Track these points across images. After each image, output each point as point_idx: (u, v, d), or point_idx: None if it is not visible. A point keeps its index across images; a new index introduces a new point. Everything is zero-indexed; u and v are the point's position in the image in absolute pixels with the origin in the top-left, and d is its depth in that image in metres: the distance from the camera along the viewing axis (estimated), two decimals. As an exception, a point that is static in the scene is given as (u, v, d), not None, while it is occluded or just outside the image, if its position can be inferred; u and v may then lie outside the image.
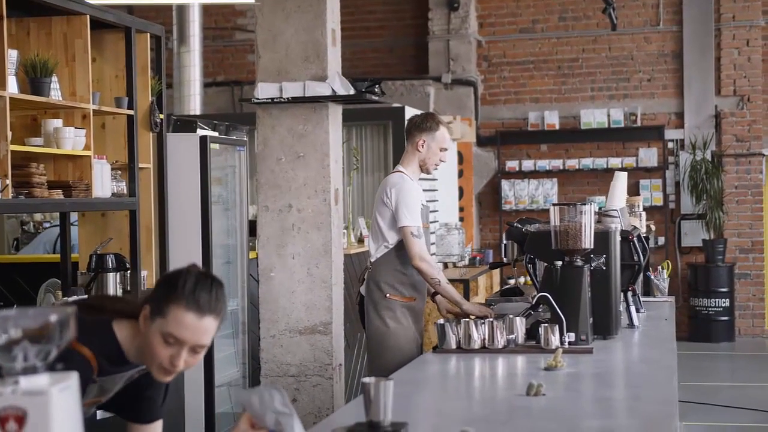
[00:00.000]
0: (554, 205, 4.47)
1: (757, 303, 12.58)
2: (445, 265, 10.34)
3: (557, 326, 4.23)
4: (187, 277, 2.58)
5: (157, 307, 2.56)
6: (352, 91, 6.07)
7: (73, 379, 1.77)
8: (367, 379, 2.75)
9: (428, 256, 5.16)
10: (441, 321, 4.39)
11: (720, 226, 12.34)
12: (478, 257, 11.01)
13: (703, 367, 10.85)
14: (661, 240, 12.54)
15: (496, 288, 11.15)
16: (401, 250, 5.22)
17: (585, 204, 4.44)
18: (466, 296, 9.02)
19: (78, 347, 2.55)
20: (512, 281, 12.37)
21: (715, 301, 12.18)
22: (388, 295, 5.25)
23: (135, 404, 2.83)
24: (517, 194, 12.90)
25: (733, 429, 7.97)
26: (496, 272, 11.18)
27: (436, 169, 5.48)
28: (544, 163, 12.82)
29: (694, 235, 12.55)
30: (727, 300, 12.21)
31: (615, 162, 12.56)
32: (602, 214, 5.18)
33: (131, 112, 5.51)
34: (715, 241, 12.27)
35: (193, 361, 2.59)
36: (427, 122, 5.35)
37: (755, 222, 12.57)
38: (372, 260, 5.36)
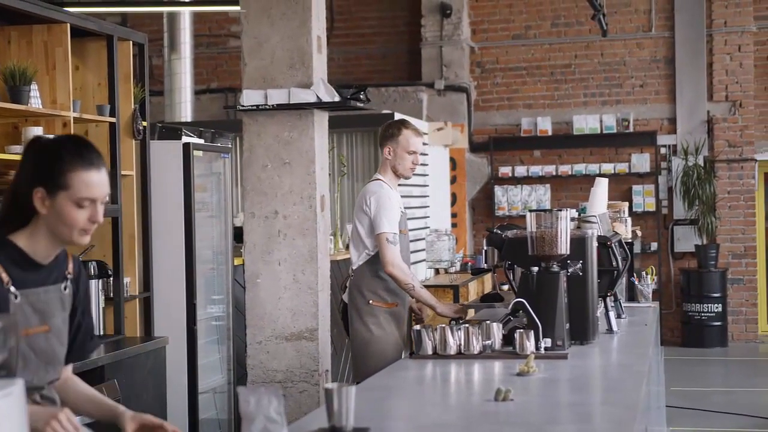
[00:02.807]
0: (530, 211, 4.49)
1: (750, 308, 12.59)
2: (436, 271, 10.36)
3: (533, 332, 4.25)
4: (66, 145, 2.69)
5: (54, 185, 2.65)
6: (336, 98, 6.09)
7: (17, 385, 1.79)
8: (329, 385, 2.77)
9: (401, 262, 5.22)
10: (417, 327, 4.41)
11: (713, 232, 12.35)
12: (470, 263, 11.02)
13: (696, 372, 10.86)
14: (654, 245, 12.55)
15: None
16: None
17: (561, 210, 4.45)
18: (456, 302, 9.03)
19: None
20: (506, 287, 12.38)
21: (708, 307, 12.19)
22: (371, 301, 5.32)
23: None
24: (510, 200, 12.92)
25: (718, 434, 7.99)
26: (488, 278, 11.19)
27: (413, 171, 5.53)
28: (537, 169, 12.84)
29: (686, 240, 12.56)
30: (720, 305, 12.22)
31: (608, 168, 12.58)
32: (581, 220, 5.20)
33: (113, 119, 5.53)
34: (707, 246, 12.28)
35: (102, 213, 2.72)
36: (389, 129, 5.48)
37: (748, 227, 12.58)
38: (354, 267, 5.44)
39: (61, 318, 2.78)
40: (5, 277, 2.64)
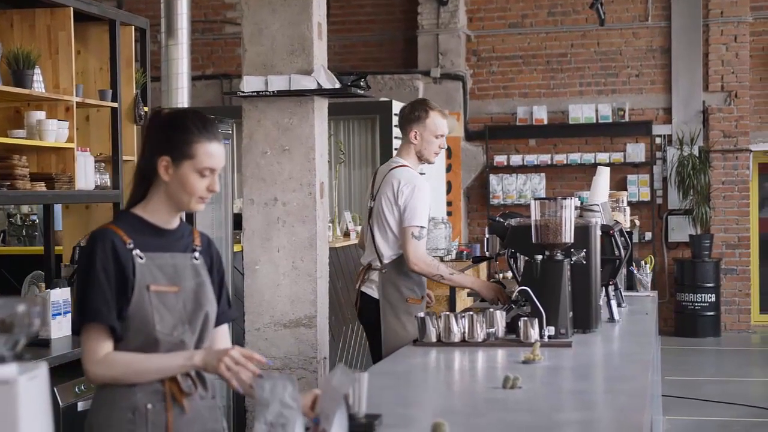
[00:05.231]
0: (535, 199, 4.48)
1: (743, 298, 12.63)
2: (432, 259, 10.36)
3: (537, 320, 4.25)
4: (191, 118, 2.87)
5: (180, 154, 2.82)
6: (337, 85, 6.08)
7: (41, 369, 1.78)
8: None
9: (425, 256, 4.99)
10: (421, 314, 4.41)
11: (707, 222, 12.39)
12: (465, 251, 11.03)
13: (689, 361, 10.90)
14: (648, 235, 12.58)
15: (483, 282, 11.17)
16: None
17: (566, 198, 4.45)
18: (452, 290, 9.02)
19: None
20: (500, 275, 12.40)
21: (702, 296, 12.23)
22: (408, 299, 5.10)
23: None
24: (505, 189, 12.93)
25: (716, 423, 8.01)
26: (483, 266, 11.21)
27: (437, 156, 5.29)
28: (532, 158, 12.85)
29: (680, 230, 12.59)
30: (714, 295, 12.26)
31: (603, 157, 12.59)
32: (584, 209, 5.20)
33: (115, 104, 5.51)
34: (701, 236, 12.31)
35: (219, 184, 2.88)
36: (415, 112, 5.17)
37: (742, 217, 12.61)
38: (385, 261, 5.13)
39: (195, 283, 2.90)
40: (127, 239, 2.80)
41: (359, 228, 8.36)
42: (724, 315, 12.51)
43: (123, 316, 2.77)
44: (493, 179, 12.91)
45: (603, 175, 5.55)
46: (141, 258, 2.81)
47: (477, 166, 13.02)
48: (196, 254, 2.94)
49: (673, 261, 12.60)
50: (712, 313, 12.28)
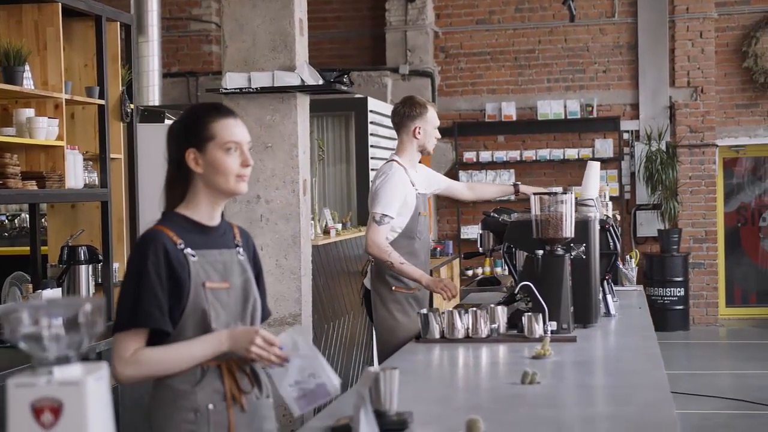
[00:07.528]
0: (535, 194, 4.48)
1: (711, 292, 12.75)
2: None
3: (540, 315, 4.24)
4: (200, 108, 2.90)
5: (201, 140, 2.82)
6: (320, 81, 6.05)
7: (104, 368, 1.74)
8: (373, 369, 2.74)
9: (381, 241, 5.09)
10: (424, 310, 4.39)
11: (674, 216, 12.48)
12: (438, 248, 11.04)
13: (660, 355, 10.97)
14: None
15: (457, 279, 11.21)
16: (402, 241, 5.17)
17: (565, 193, 4.45)
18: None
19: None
20: (470, 272, 12.43)
21: (670, 291, 12.32)
22: (394, 288, 5.21)
23: None
24: (474, 185, 12.92)
25: (697, 416, 8.07)
26: (456, 263, 11.23)
27: (435, 143, 5.49)
28: (501, 155, 12.87)
29: (649, 225, 12.68)
30: (682, 289, 12.35)
31: (571, 153, 12.65)
32: (578, 204, 5.20)
33: (102, 101, 5.42)
34: (669, 231, 12.41)
35: (251, 161, 2.86)
36: (415, 109, 5.33)
37: (708, 212, 12.73)
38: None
39: (242, 279, 2.87)
40: (178, 239, 2.78)
41: (339, 225, 8.32)
42: (693, 309, 12.61)
43: (175, 318, 2.75)
44: (463, 176, 12.91)
45: (593, 170, 5.55)
46: (193, 256, 2.78)
47: (446, 163, 13.01)
48: (240, 250, 2.92)
49: (642, 256, 12.68)
50: (680, 307, 12.37)
